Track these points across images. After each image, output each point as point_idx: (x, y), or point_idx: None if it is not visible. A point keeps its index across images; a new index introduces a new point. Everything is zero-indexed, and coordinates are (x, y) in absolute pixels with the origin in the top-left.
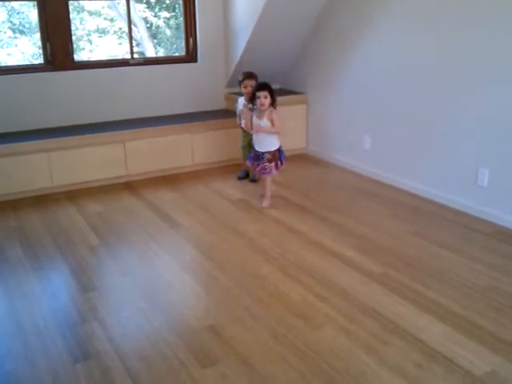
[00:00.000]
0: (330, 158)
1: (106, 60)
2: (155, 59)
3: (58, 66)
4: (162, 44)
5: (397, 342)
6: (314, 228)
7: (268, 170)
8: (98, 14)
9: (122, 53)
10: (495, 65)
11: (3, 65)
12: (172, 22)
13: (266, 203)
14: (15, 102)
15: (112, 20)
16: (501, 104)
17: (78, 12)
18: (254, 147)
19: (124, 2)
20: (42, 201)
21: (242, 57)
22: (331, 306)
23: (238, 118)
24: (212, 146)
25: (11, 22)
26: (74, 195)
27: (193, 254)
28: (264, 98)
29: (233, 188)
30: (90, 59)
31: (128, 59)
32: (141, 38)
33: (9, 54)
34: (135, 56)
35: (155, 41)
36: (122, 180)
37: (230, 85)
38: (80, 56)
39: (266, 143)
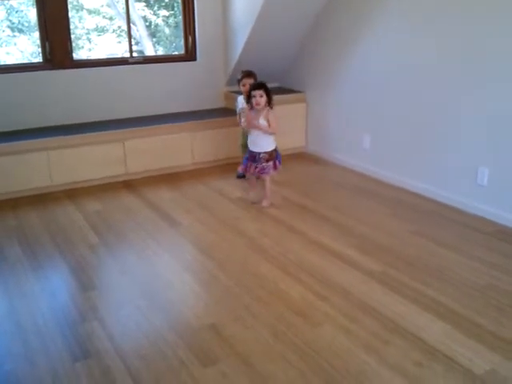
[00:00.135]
0: (330, 157)
1: (105, 58)
2: (154, 58)
3: (57, 65)
4: (161, 42)
5: (397, 340)
6: (313, 227)
7: (267, 170)
8: (97, 12)
9: (121, 51)
10: (494, 65)
11: (2, 63)
12: (171, 20)
13: (266, 203)
14: (14, 101)
15: (111, 18)
16: (500, 103)
17: (77, 10)
18: (248, 148)
19: (123, 1)
20: (41, 199)
21: (241, 55)
22: (331, 305)
23: (238, 117)
24: (211, 145)
25: (10, 20)
26: (73, 194)
27: (192, 252)
28: (260, 96)
29: (232, 186)
30: (89, 58)
31: (127, 58)
32: (140, 36)
33: (8, 53)
34: (134, 54)
35: (154, 39)
36: (122, 179)
37: (229, 83)
38: (79, 54)
39: (263, 143)
